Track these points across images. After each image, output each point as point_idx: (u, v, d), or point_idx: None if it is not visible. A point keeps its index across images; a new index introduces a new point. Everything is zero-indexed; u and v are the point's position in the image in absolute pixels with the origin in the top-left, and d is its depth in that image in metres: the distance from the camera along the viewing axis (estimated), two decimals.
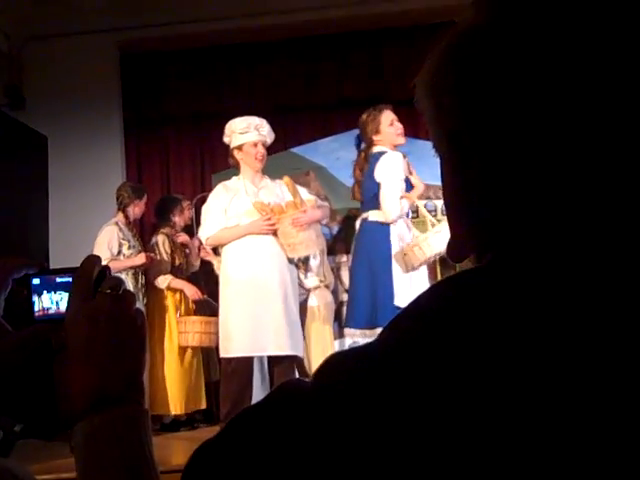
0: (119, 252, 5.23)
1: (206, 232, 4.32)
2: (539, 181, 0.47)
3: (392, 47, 6.37)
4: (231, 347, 4.21)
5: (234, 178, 4.47)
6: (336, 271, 5.48)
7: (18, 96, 6.16)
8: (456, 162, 0.52)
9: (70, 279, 0.75)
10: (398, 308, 4.13)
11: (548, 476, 0.40)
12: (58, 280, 0.75)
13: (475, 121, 0.49)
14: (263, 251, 4.23)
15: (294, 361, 4.37)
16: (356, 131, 5.57)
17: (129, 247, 5.27)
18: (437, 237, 3.99)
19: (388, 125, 4.30)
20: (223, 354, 4.29)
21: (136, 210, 5.43)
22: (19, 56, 6.23)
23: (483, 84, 0.48)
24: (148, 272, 5.38)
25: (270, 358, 4.40)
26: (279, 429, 0.46)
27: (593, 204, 0.46)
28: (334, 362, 0.49)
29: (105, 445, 0.65)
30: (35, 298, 0.75)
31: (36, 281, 0.76)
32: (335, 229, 6.10)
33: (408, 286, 4.10)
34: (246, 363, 4.24)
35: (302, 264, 4.96)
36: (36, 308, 0.75)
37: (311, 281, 4.98)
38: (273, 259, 4.26)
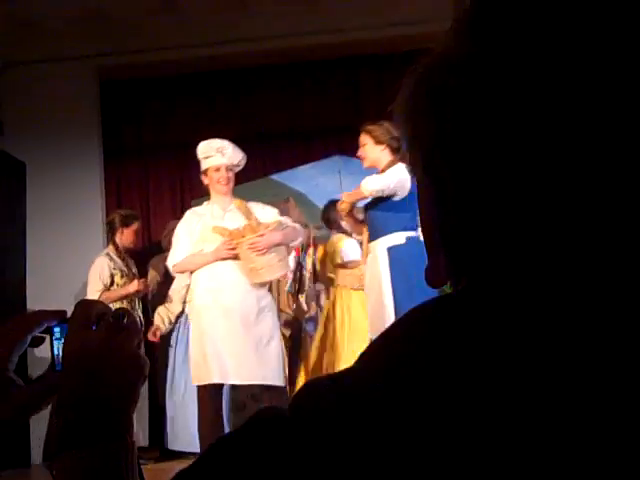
0: (112, 283, 5.19)
1: (173, 259, 4.27)
2: (515, 204, 0.47)
3: (369, 73, 6.43)
4: (199, 374, 4.17)
5: (205, 203, 4.44)
6: (315, 299, 5.48)
7: None
8: (431, 185, 0.52)
9: None
10: None
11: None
12: None
13: (448, 147, 0.49)
14: (225, 277, 4.18)
15: (283, 391, 4.29)
16: (335, 158, 5.60)
17: (122, 276, 5.22)
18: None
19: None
20: (194, 382, 4.24)
21: (124, 238, 5.37)
22: None
23: (457, 110, 0.48)
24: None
25: (248, 388, 4.33)
26: (257, 456, 0.45)
27: (568, 232, 0.46)
28: (312, 388, 0.49)
29: (85, 477, 0.65)
30: (56, 348, 0.75)
31: (57, 330, 0.75)
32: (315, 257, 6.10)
33: None
34: (217, 390, 4.16)
35: (289, 293, 4.96)
36: (57, 359, 0.75)
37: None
38: (236, 285, 4.18)
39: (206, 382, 4.11)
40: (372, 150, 4.20)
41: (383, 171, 4.13)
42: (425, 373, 0.45)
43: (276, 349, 4.24)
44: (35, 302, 5.61)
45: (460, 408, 0.43)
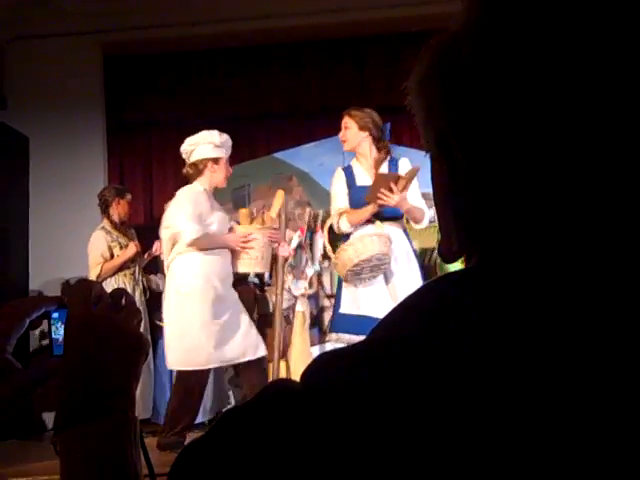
0: (112, 256, 5.19)
1: (191, 234, 4.27)
2: (524, 183, 0.47)
3: (376, 54, 6.39)
4: (197, 359, 4.25)
5: (197, 185, 4.43)
6: (316, 277, 5.49)
7: (0, 96, 6.11)
8: (444, 162, 0.53)
9: None
10: None
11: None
12: None
13: (462, 123, 0.49)
14: (217, 264, 4.34)
15: (262, 363, 4.47)
16: (339, 137, 5.58)
17: (120, 248, 5.23)
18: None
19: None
20: (186, 366, 4.29)
21: (119, 210, 5.34)
22: (1, 57, 6.19)
23: (470, 89, 0.48)
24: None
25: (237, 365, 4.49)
26: (269, 429, 0.45)
27: (579, 209, 0.46)
28: (323, 362, 0.48)
29: (88, 453, 0.67)
30: (54, 332, 0.75)
31: (55, 315, 0.76)
32: (319, 235, 6.10)
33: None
34: (206, 375, 4.36)
35: (292, 269, 4.98)
36: (55, 344, 0.75)
37: (299, 287, 5.02)
38: (226, 271, 4.39)
39: (208, 366, 4.27)
40: (355, 135, 4.21)
41: (361, 155, 4.21)
42: (442, 348, 0.45)
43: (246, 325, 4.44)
44: (38, 276, 5.62)
45: (477, 382, 0.43)
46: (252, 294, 5.01)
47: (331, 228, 4.32)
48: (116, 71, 6.57)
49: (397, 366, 0.44)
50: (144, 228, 5.97)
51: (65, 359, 0.70)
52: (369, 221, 4.13)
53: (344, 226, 4.18)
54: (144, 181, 6.80)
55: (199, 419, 5.15)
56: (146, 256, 5.40)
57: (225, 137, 4.48)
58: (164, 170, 6.82)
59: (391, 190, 3.92)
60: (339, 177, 4.29)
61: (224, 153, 4.46)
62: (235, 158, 6.74)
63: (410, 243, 4.27)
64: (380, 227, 4.11)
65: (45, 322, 0.76)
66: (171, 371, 5.17)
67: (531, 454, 0.41)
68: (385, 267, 4.06)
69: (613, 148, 0.45)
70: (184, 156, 4.51)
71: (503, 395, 0.42)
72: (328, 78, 6.50)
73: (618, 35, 0.45)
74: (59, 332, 0.75)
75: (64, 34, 6.08)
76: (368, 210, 4.06)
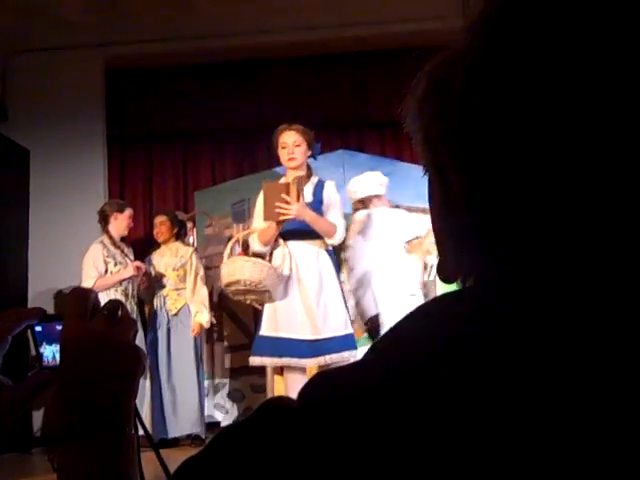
0: (106, 271, 5.16)
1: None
2: (517, 209, 0.48)
3: (376, 69, 6.42)
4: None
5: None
6: None
7: (1, 108, 6.13)
8: (440, 183, 0.53)
9: None
10: None
11: None
12: (59, 328, 0.74)
13: (458, 146, 0.50)
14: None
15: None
16: (339, 152, 5.58)
17: (115, 264, 5.18)
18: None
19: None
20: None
21: (118, 225, 5.32)
22: (3, 69, 6.21)
23: (463, 110, 0.49)
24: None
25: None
26: (266, 445, 0.45)
27: (578, 231, 0.46)
28: (320, 380, 0.49)
29: (86, 469, 0.66)
30: (40, 346, 0.75)
31: (38, 329, 0.75)
32: None
33: None
34: None
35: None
36: (44, 357, 0.75)
37: None
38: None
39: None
40: (304, 154, 4.05)
41: (308, 177, 4.07)
42: (441, 371, 0.45)
43: None
44: (37, 289, 5.62)
45: (473, 405, 0.43)
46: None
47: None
48: (118, 84, 6.60)
49: (397, 391, 0.45)
50: (143, 241, 5.98)
51: (61, 373, 0.69)
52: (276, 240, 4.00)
53: (256, 246, 4.06)
54: (144, 193, 6.81)
55: (176, 434, 5.17)
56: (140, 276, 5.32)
57: None
58: (164, 183, 6.84)
59: (286, 202, 3.75)
60: (260, 199, 4.07)
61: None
62: (235, 172, 6.78)
63: (330, 261, 4.13)
64: (283, 246, 4.02)
65: (29, 336, 0.75)
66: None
67: (537, 467, 0.41)
68: (265, 293, 3.99)
69: (613, 178, 0.45)
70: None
71: (499, 424, 0.42)
72: (329, 92, 6.53)
73: (614, 68, 0.45)
74: (45, 345, 0.74)
75: (66, 47, 6.11)
76: (273, 228, 3.90)
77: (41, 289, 5.61)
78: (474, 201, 0.49)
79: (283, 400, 0.50)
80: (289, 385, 4.13)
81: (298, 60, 6.50)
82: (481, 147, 0.48)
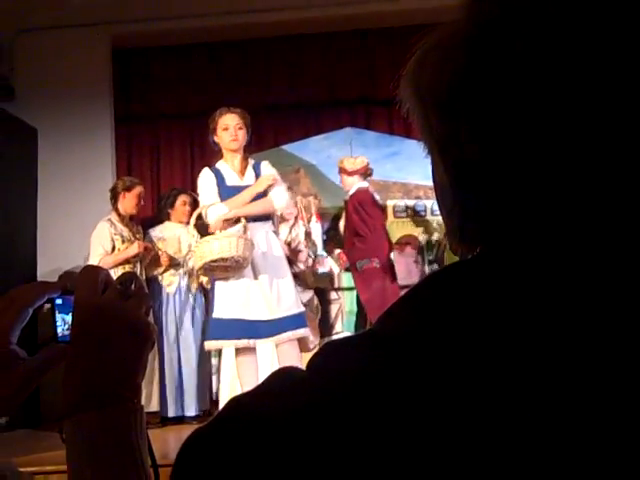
0: (113, 248, 5.15)
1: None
2: (526, 178, 0.48)
3: (384, 46, 6.37)
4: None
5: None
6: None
7: (8, 88, 6.12)
8: (444, 159, 0.53)
9: None
10: None
11: (546, 477, 0.41)
12: None
13: (462, 120, 0.50)
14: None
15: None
16: (347, 129, 5.56)
17: (123, 242, 5.17)
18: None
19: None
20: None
21: (126, 202, 5.30)
22: (10, 48, 6.19)
23: (470, 83, 0.49)
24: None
25: None
26: (276, 414, 0.45)
27: (580, 202, 0.46)
28: (330, 349, 0.49)
29: (94, 440, 0.66)
30: (58, 319, 0.75)
31: (59, 301, 0.75)
32: (325, 226, 6.12)
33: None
34: None
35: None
36: (59, 330, 0.75)
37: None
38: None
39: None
40: (244, 137, 4.23)
41: (234, 156, 4.22)
42: (448, 341, 0.45)
43: None
44: (45, 266, 5.64)
45: (472, 377, 0.43)
46: None
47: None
48: (124, 62, 6.57)
49: (403, 359, 0.45)
50: (150, 219, 5.98)
51: (72, 346, 0.69)
52: (237, 220, 4.10)
53: (212, 221, 4.15)
54: (151, 172, 6.80)
55: (182, 412, 5.20)
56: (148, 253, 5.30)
57: None
58: (171, 161, 6.83)
59: None
60: (208, 176, 4.25)
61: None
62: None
63: (278, 242, 4.30)
64: (245, 227, 4.08)
65: (48, 307, 0.76)
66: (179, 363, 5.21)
67: (532, 455, 0.41)
68: (240, 270, 4.04)
69: (622, 144, 0.45)
70: None
71: (502, 391, 0.42)
72: (336, 70, 6.48)
73: (613, 61, 0.45)
74: (63, 318, 0.75)
75: (73, 26, 6.08)
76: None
77: (50, 267, 5.63)
78: (491, 170, 0.49)
79: (291, 369, 0.50)
80: (240, 368, 4.19)
81: (305, 37, 6.44)
82: (495, 111, 0.48)
